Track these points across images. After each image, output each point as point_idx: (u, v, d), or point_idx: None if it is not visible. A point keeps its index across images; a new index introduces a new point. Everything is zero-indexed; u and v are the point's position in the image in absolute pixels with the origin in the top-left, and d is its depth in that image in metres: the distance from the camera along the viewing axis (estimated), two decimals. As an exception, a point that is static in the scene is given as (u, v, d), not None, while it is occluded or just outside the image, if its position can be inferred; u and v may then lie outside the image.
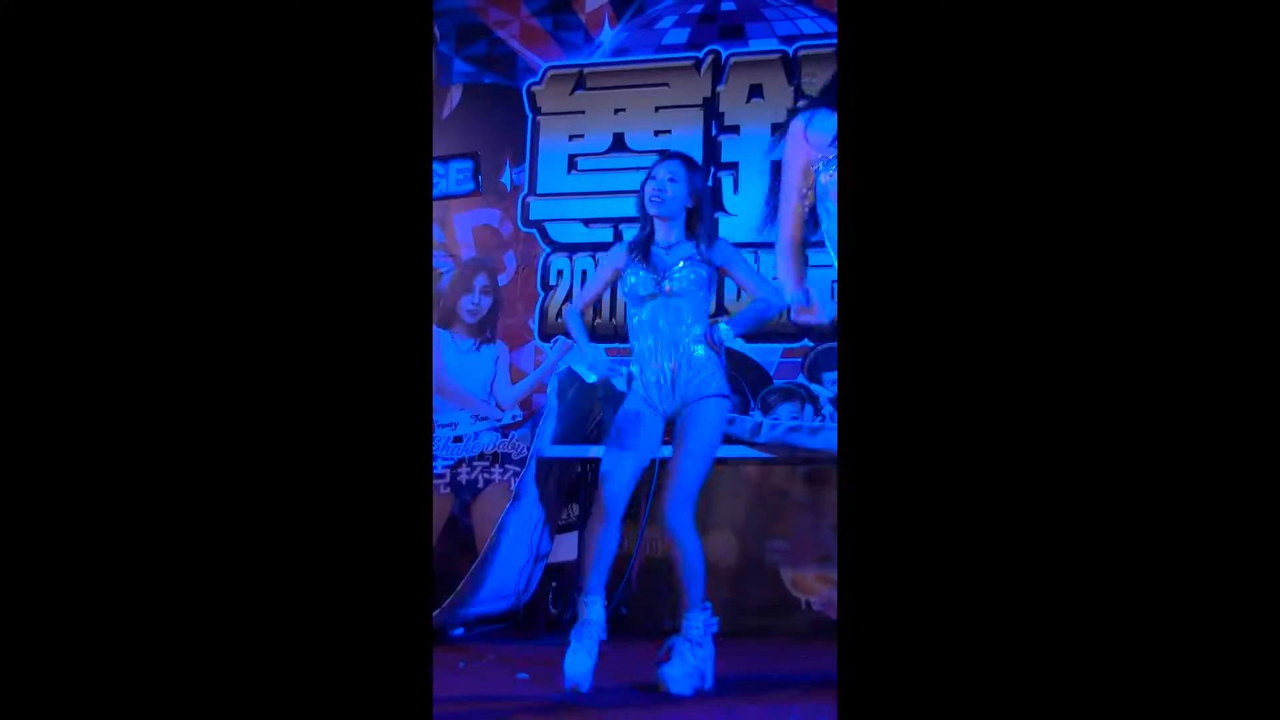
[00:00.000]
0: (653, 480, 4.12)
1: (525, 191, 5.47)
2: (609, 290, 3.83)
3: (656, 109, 5.34)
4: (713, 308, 3.51)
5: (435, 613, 4.18)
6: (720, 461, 4.34)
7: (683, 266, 3.26)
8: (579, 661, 3.02)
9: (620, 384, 3.23)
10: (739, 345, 4.94)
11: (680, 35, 5.40)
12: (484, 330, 5.36)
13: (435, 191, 5.41)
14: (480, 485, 5.21)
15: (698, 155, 5.25)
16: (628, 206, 5.24)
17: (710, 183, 5.20)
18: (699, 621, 3.18)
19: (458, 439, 5.24)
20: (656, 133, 5.33)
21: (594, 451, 4.44)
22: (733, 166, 5.24)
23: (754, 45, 5.28)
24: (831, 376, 4.76)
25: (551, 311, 5.27)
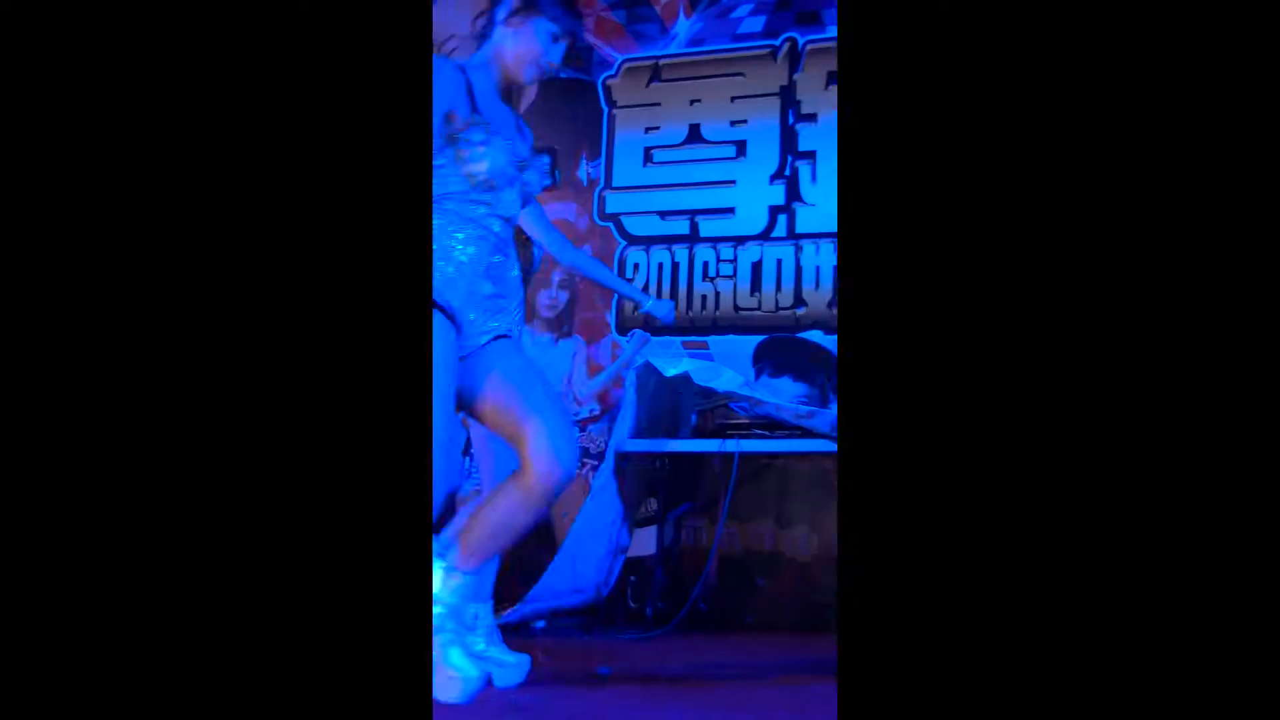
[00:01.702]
0: (733, 472, 4.10)
1: (601, 185, 5.47)
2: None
3: (733, 99, 5.30)
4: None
5: (516, 605, 4.21)
6: (800, 457, 4.30)
7: None
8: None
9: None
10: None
11: (756, 24, 5.35)
12: (561, 325, 5.38)
13: (512, 186, 5.44)
14: (559, 479, 5.23)
15: (775, 145, 5.18)
16: (705, 198, 5.25)
17: (789, 172, 5.13)
18: None
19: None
20: (733, 123, 5.29)
21: (673, 446, 4.42)
22: (810, 155, 5.17)
23: (831, 31, 5.19)
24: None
25: (628, 305, 5.27)
